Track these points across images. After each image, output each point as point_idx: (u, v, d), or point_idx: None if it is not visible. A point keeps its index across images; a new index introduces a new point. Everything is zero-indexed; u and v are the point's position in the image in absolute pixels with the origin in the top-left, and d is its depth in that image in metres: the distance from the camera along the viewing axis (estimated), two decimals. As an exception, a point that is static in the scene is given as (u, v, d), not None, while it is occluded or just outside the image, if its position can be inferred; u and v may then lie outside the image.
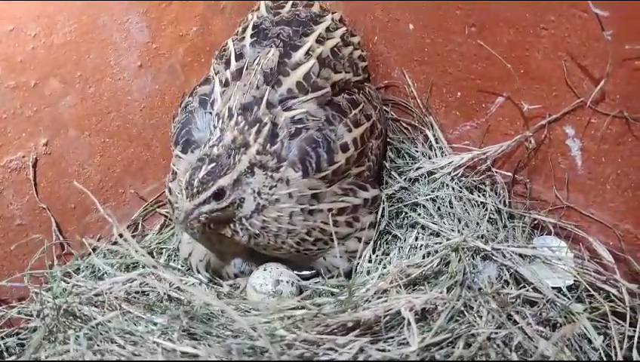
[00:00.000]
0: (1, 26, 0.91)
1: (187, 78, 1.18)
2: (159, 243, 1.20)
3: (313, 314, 0.82)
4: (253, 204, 0.92)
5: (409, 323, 0.79)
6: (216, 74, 1.06)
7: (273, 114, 0.96)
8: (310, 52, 1.05)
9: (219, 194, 0.89)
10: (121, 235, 0.89)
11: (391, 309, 0.82)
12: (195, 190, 0.87)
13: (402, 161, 1.21)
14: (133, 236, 1.15)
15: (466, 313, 0.88)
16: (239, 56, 1.05)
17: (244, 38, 1.10)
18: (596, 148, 0.95)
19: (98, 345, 0.78)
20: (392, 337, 0.81)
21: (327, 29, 1.13)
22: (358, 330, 0.82)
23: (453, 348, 0.78)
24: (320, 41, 1.09)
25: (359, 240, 1.07)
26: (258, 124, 0.93)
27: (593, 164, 0.97)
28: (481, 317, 0.87)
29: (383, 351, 0.77)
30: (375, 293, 0.88)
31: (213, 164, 0.88)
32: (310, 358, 0.75)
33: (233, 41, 1.10)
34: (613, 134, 0.92)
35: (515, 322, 0.90)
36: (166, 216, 1.22)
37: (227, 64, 1.05)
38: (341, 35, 1.14)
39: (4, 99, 0.95)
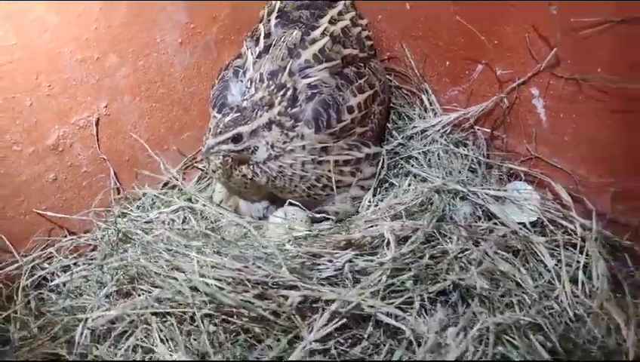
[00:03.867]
0: (71, 12, 1.14)
1: (219, 53, 1.40)
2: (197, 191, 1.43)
3: (314, 235, 1.04)
4: (266, 154, 1.14)
5: (389, 242, 1.01)
6: (247, 49, 1.28)
7: (294, 80, 1.18)
8: (325, 31, 1.26)
9: (237, 139, 1.10)
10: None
11: (376, 232, 1.04)
12: (219, 130, 1.09)
13: (402, 122, 1.41)
14: (174, 186, 1.38)
15: (439, 238, 1.08)
16: (267, 35, 1.27)
17: (270, 20, 1.32)
18: (556, 106, 1.14)
19: (148, 256, 1.02)
20: (376, 253, 1.02)
21: (339, 13, 1.34)
22: (350, 249, 1.04)
23: (420, 256, 0.99)
24: (332, 22, 1.30)
25: (362, 188, 1.28)
26: (284, 89, 1.16)
27: (554, 120, 1.16)
28: (451, 241, 1.08)
29: (366, 261, 0.99)
30: (365, 222, 1.09)
31: (238, 114, 1.10)
32: (310, 266, 0.98)
33: (262, 23, 1.32)
34: (568, 94, 1.10)
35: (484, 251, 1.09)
36: (202, 170, 1.45)
37: (257, 41, 1.27)
38: (350, 18, 1.35)
39: (74, 70, 1.19)
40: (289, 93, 1.15)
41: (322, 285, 0.94)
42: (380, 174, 1.30)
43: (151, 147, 1.35)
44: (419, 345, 0.90)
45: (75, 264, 1.14)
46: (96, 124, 1.25)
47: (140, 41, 1.27)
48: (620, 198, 1.10)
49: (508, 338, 0.95)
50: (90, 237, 1.19)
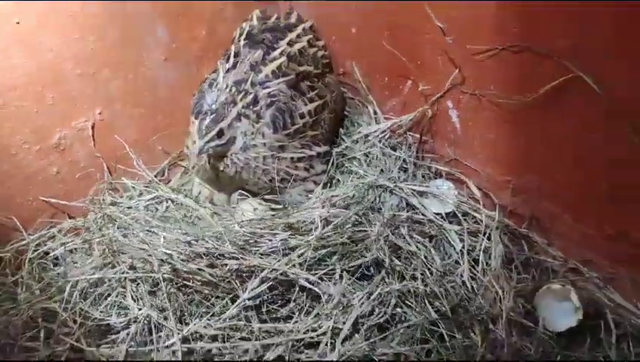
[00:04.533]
0: (71, 36, 1.41)
1: (198, 68, 1.65)
2: (180, 185, 1.68)
3: (258, 218, 1.30)
4: (242, 142, 1.39)
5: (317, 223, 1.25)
6: (220, 65, 1.54)
7: (255, 89, 1.44)
8: (283, 52, 1.52)
9: (220, 133, 1.35)
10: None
11: (309, 217, 1.29)
12: (204, 132, 1.34)
13: (352, 128, 1.65)
14: (161, 180, 1.64)
15: (365, 224, 1.33)
16: (236, 54, 1.53)
17: (239, 41, 1.58)
18: (465, 116, 1.38)
19: (127, 234, 1.28)
20: (307, 233, 1.27)
21: (298, 36, 1.60)
22: (290, 231, 1.29)
23: (341, 237, 1.23)
24: (290, 44, 1.55)
25: (314, 182, 1.53)
26: (244, 92, 1.41)
27: (465, 127, 1.39)
28: (374, 226, 1.32)
29: (298, 240, 1.23)
30: (305, 209, 1.34)
31: (214, 115, 1.35)
32: (252, 243, 1.23)
33: (234, 44, 1.58)
34: (473, 106, 1.34)
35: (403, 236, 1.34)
36: (185, 167, 1.71)
37: (228, 59, 1.53)
38: (308, 40, 1.60)
39: (73, 82, 1.44)
40: (250, 97, 1.40)
41: (260, 257, 1.19)
42: (329, 171, 1.54)
43: (139, 147, 1.60)
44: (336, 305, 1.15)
45: (72, 241, 1.40)
46: (92, 127, 1.51)
47: (129, 59, 1.53)
48: (517, 193, 1.33)
49: (407, 302, 1.19)
50: (85, 220, 1.45)
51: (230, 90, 1.41)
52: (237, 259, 1.14)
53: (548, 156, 1.22)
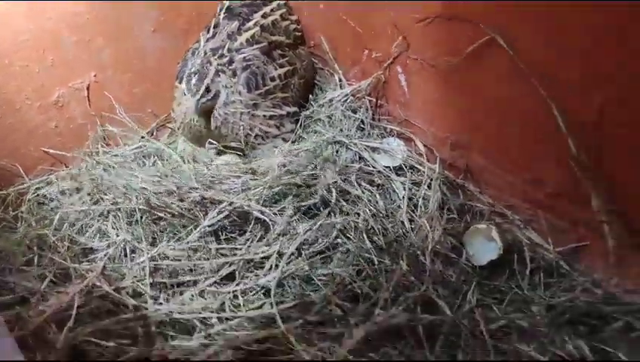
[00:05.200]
0: (69, 9, 1.61)
1: (184, 39, 1.85)
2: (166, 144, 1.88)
3: (226, 164, 1.49)
4: (224, 95, 1.58)
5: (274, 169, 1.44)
6: (202, 36, 1.74)
7: (231, 54, 1.63)
8: (257, 23, 1.71)
9: (208, 89, 1.55)
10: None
11: (268, 164, 1.48)
12: (194, 90, 1.53)
13: (321, 94, 1.85)
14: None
15: (320, 173, 1.51)
16: (215, 25, 1.73)
17: (220, 14, 1.77)
18: (412, 79, 1.55)
19: (110, 173, 1.48)
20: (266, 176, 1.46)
21: (272, 9, 1.79)
22: (251, 175, 1.48)
23: (294, 180, 1.42)
24: (264, 16, 1.75)
25: (284, 140, 1.72)
26: (221, 55, 1.61)
27: (412, 90, 1.57)
28: (326, 175, 1.50)
29: (257, 181, 1.43)
30: (267, 157, 1.53)
31: (197, 75, 1.54)
32: (218, 184, 1.42)
33: (215, 17, 1.78)
34: (417, 70, 1.52)
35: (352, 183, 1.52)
36: (171, 128, 1.91)
37: (208, 30, 1.73)
38: (281, 14, 1.79)
39: (70, 48, 1.65)
40: (226, 59, 1.60)
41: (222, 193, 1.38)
42: (297, 131, 1.73)
43: (131, 109, 1.80)
44: (282, 234, 1.34)
45: (66, 185, 1.61)
46: (87, 88, 1.71)
47: (121, 29, 1.73)
48: (455, 148, 1.51)
49: (348, 235, 1.38)
50: (78, 167, 1.65)
51: (207, 54, 1.60)
52: (201, 194, 1.32)
53: (476, 113, 1.40)
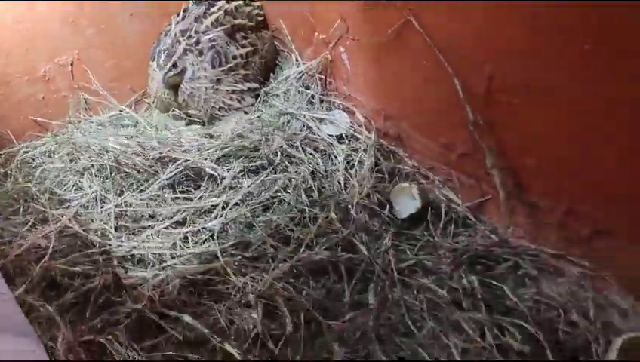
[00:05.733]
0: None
1: (159, 23, 2.07)
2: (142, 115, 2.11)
3: (189, 130, 1.72)
4: (191, 72, 1.82)
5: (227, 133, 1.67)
6: (173, 19, 1.97)
7: (198, 35, 1.86)
8: (221, 7, 1.94)
9: (174, 65, 1.78)
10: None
11: (223, 129, 1.70)
12: (162, 64, 1.77)
13: (281, 72, 2.07)
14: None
15: (269, 137, 1.73)
16: (185, 10, 1.96)
17: (190, 0, 2.00)
18: (352, 58, 1.77)
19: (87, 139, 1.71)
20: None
21: (236, -5, 2.02)
22: (208, 138, 1.70)
23: (245, 143, 1.64)
24: (228, 1, 1.97)
25: (245, 112, 1.95)
26: (189, 36, 1.84)
27: (353, 68, 1.78)
28: (274, 140, 1.73)
29: (212, 145, 1.65)
30: (224, 124, 1.76)
31: (166, 52, 1.78)
32: (178, 146, 1.65)
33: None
34: (356, 50, 1.74)
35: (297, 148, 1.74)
36: (148, 103, 2.13)
37: (178, 15, 1.96)
38: (244, 0, 2.02)
39: (57, 29, 1.88)
40: (193, 40, 1.83)
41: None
42: (256, 105, 1.95)
43: (111, 85, 2.03)
44: (230, 188, 1.57)
45: (51, 148, 1.84)
46: (71, 64, 1.94)
47: (102, 13, 1.96)
48: (388, 118, 1.73)
49: (288, 190, 1.60)
50: (61, 132, 1.88)
51: (176, 34, 1.82)
52: (161, 151, 1.55)
53: (402, 87, 1.61)
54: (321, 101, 1.88)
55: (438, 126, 1.54)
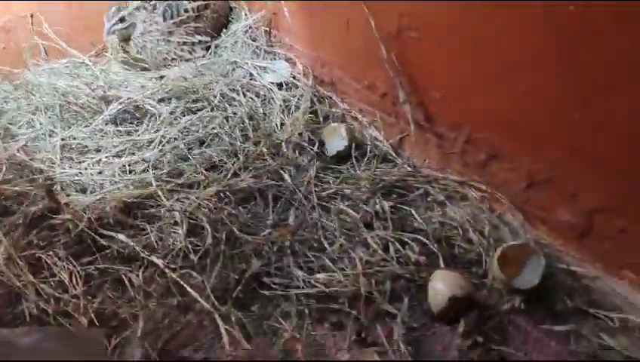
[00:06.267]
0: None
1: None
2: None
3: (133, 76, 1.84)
4: (141, 27, 1.93)
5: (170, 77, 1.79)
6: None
7: None
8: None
9: (122, 19, 1.90)
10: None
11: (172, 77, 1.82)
12: (110, 18, 1.89)
13: (232, 26, 2.18)
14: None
15: (213, 83, 1.85)
16: None
17: None
18: (292, 11, 1.89)
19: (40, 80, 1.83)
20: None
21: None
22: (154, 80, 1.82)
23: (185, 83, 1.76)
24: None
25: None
26: None
27: (294, 21, 1.90)
28: (217, 84, 1.85)
29: (156, 83, 1.77)
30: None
31: (118, 7, 1.89)
32: (121, 84, 1.77)
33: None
34: (295, 4, 1.85)
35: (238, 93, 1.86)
36: (107, 55, 2.25)
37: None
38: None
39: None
40: None
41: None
42: (207, 56, 2.07)
43: (71, 38, 2.15)
44: (170, 125, 1.69)
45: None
46: (31, 16, 2.06)
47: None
48: (324, 65, 1.84)
49: (225, 128, 1.72)
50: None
51: None
52: (105, 90, 1.67)
53: (332, 34, 1.73)
54: (266, 52, 2.00)
55: (362, 68, 1.66)
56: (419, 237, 1.37)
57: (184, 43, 1.98)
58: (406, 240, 1.37)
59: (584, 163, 1.13)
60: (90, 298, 1.25)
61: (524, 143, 1.27)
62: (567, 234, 1.24)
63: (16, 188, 1.42)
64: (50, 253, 1.36)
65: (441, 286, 1.18)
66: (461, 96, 1.36)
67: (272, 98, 1.84)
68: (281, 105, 1.81)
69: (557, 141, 1.17)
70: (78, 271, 1.32)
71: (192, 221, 1.41)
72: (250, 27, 2.05)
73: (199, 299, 1.21)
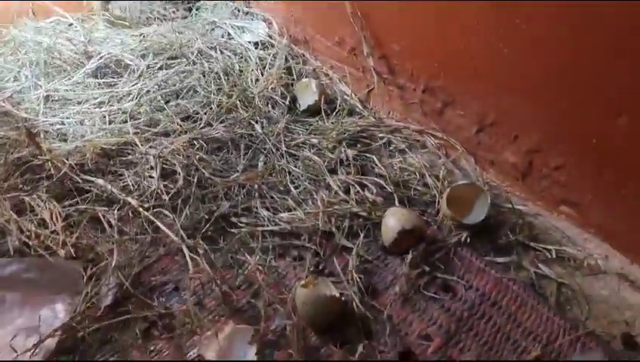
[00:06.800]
0: None
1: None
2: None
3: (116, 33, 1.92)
4: None
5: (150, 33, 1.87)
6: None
7: None
8: None
9: None
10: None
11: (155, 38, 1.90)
12: None
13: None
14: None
15: (192, 41, 1.94)
16: None
17: None
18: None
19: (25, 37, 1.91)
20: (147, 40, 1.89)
21: None
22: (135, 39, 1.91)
23: (164, 40, 1.85)
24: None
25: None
26: None
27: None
28: (195, 42, 1.93)
29: (135, 39, 1.85)
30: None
31: None
32: (105, 40, 1.85)
33: None
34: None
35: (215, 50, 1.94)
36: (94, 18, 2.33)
37: None
38: None
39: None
40: None
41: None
42: (188, 17, 2.15)
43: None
44: (149, 79, 1.77)
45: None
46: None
47: None
48: (297, 24, 1.92)
49: (202, 83, 1.80)
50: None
51: None
52: (87, 47, 1.75)
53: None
54: (245, 13, 2.07)
55: (331, 26, 1.74)
56: (378, 180, 1.44)
57: (167, 2, 2.05)
58: (366, 183, 1.44)
59: (525, 104, 1.22)
60: (68, 234, 1.34)
61: (474, 88, 1.35)
62: (512, 175, 1.33)
63: (1, 134, 1.50)
64: (34, 195, 1.44)
65: (392, 220, 1.27)
66: (418, 49, 1.44)
67: (249, 56, 1.92)
68: (257, 63, 1.89)
69: (499, 82, 1.26)
70: (60, 211, 1.41)
71: (166, 166, 1.49)
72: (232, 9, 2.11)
73: (170, 234, 1.30)
